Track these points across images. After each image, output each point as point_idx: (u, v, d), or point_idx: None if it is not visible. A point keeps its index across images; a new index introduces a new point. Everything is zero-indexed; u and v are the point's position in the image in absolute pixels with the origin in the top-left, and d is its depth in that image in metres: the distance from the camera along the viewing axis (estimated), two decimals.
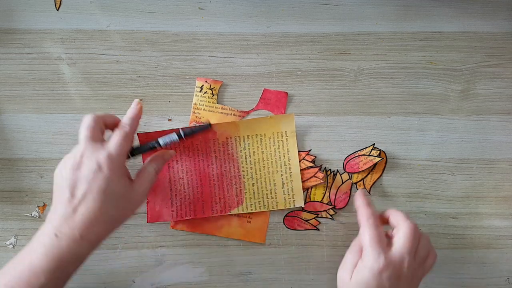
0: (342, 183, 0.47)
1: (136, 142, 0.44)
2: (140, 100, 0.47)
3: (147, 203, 0.46)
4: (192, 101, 0.48)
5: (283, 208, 0.46)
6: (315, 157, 0.47)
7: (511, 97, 0.49)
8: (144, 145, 0.42)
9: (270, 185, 0.46)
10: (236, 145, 0.46)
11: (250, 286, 0.46)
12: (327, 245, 0.47)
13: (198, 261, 0.46)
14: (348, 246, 0.39)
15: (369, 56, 0.49)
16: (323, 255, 0.47)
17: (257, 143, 0.46)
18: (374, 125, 0.48)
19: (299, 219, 0.47)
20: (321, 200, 0.47)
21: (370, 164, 0.47)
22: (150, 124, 0.47)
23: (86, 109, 0.47)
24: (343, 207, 0.47)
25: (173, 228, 0.46)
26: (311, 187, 0.47)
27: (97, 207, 0.36)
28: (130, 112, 0.41)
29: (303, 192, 0.46)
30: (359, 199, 0.40)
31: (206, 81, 0.48)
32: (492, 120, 0.48)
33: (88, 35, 0.48)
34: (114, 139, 0.38)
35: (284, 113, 0.48)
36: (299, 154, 0.47)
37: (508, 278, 0.47)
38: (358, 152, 0.47)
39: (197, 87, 0.48)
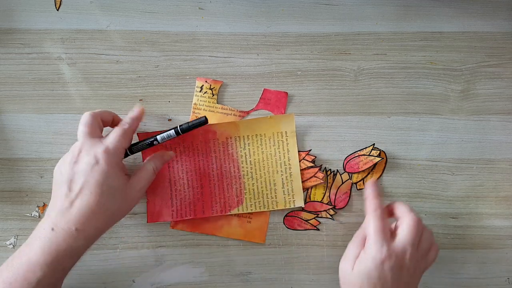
0: (342, 183, 0.47)
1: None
2: (140, 100, 0.48)
3: (147, 203, 0.46)
4: (192, 101, 0.48)
5: (283, 208, 0.46)
6: (315, 157, 0.47)
7: (511, 97, 0.49)
8: (142, 141, 0.42)
9: (270, 185, 0.46)
10: (236, 145, 0.46)
11: (250, 286, 0.46)
12: (327, 245, 0.47)
13: (198, 261, 0.46)
14: None
15: (369, 56, 0.49)
16: (323, 255, 0.47)
17: (257, 143, 0.46)
18: (374, 125, 0.48)
19: (299, 219, 0.47)
20: (321, 200, 0.47)
21: (370, 164, 0.47)
22: (150, 124, 0.47)
23: (86, 109, 0.47)
24: (343, 207, 0.47)
25: (173, 228, 0.46)
26: (311, 187, 0.47)
27: (93, 201, 0.36)
28: (131, 113, 0.42)
29: (303, 192, 0.46)
30: (368, 189, 0.41)
31: (206, 81, 0.48)
32: (492, 120, 0.48)
33: (88, 35, 0.48)
34: (112, 135, 0.39)
35: (284, 113, 0.48)
36: (299, 154, 0.47)
37: (508, 278, 0.47)
38: (358, 152, 0.47)
39: (197, 87, 0.48)
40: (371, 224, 0.38)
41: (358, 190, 0.47)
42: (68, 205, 0.36)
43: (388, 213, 0.41)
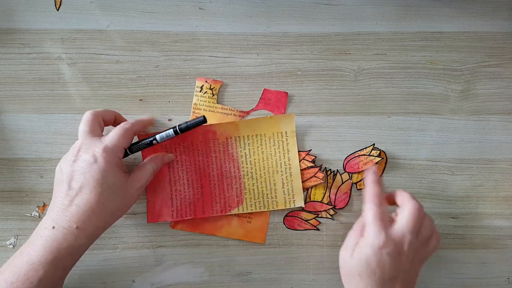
0: (342, 183, 0.47)
1: None
2: (140, 100, 0.48)
3: (147, 203, 0.46)
4: (192, 101, 0.48)
5: (283, 208, 0.46)
6: (315, 157, 0.47)
7: (511, 97, 0.49)
8: (141, 141, 0.42)
9: (270, 185, 0.46)
10: (236, 145, 0.46)
11: (250, 286, 0.46)
12: (327, 245, 0.47)
13: (198, 261, 0.46)
14: None
15: (369, 56, 0.49)
16: (323, 255, 0.47)
17: (257, 143, 0.46)
18: (374, 125, 0.48)
19: (299, 219, 0.47)
20: (321, 200, 0.47)
21: (370, 164, 0.47)
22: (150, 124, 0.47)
23: (86, 109, 0.47)
24: (343, 207, 0.47)
25: (173, 228, 0.46)
26: (311, 187, 0.47)
27: (93, 199, 0.36)
28: (138, 117, 0.43)
29: (303, 192, 0.46)
30: (369, 176, 0.41)
31: (206, 81, 0.48)
32: (492, 120, 0.48)
33: (88, 35, 0.48)
34: (112, 134, 0.39)
35: (284, 113, 0.48)
36: (299, 154, 0.47)
37: (508, 278, 0.47)
38: (358, 152, 0.47)
39: (197, 87, 0.48)
40: (369, 211, 0.38)
41: (358, 190, 0.47)
42: (68, 203, 0.36)
43: (389, 201, 0.41)
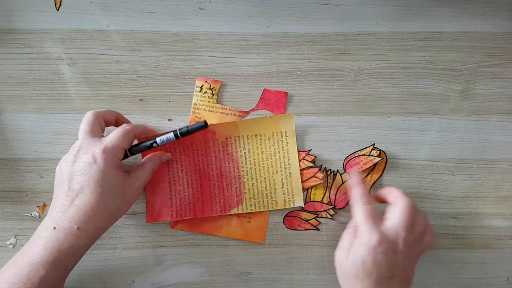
0: (342, 183, 0.47)
1: None
2: (140, 100, 0.48)
3: (146, 203, 0.46)
4: (192, 101, 0.48)
5: (283, 208, 0.46)
6: (315, 157, 0.47)
7: (511, 97, 0.49)
8: (142, 143, 0.42)
9: (269, 185, 0.46)
10: (235, 145, 0.46)
11: (250, 286, 0.46)
12: (327, 245, 0.47)
13: (198, 261, 0.46)
14: None
15: (369, 56, 0.49)
16: (323, 255, 0.47)
17: (256, 143, 0.46)
18: (374, 125, 0.48)
19: (299, 219, 0.47)
20: (321, 200, 0.47)
21: (370, 164, 0.47)
22: (150, 124, 0.47)
23: (86, 109, 0.47)
24: (343, 207, 0.47)
25: (172, 228, 0.46)
26: (311, 187, 0.47)
27: (93, 199, 0.36)
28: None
29: (303, 192, 0.46)
30: (353, 177, 0.41)
31: (206, 81, 0.48)
32: (492, 120, 0.48)
33: (88, 35, 0.48)
34: (112, 134, 0.39)
35: (284, 113, 0.48)
36: (299, 154, 0.47)
37: (508, 278, 0.47)
38: (358, 152, 0.47)
39: (197, 87, 0.48)
40: (359, 211, 0.38)
41: None
42: (68, 204, 0.36)
43: (380, 199, 0.41)
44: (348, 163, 0.47)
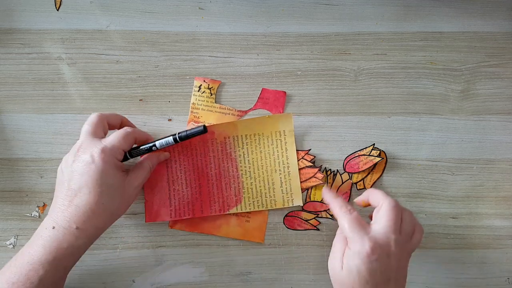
0: (342, 183, 0.47)
1: None
2: (140, 100, 0.48)
3: (145, 202, 0.46)
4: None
5: (282, 207, 0.46)
6: (314, 156, 0.47)
7: (511, 97, 0.48)
8: (141, 146, 0.42)
9: (268, 184, 0.46)
10: (234, 145, 0.46)
11: (250, 286, 0.46)
12: (327, 245, 0.47)
13: (198, 261, 0.46)
14: None
15: (369, 56, 0.49)
16: (323, 255, 0.47)
17: (255, 142, 0.46)
18: (374, 125, 0.48)
19: (299, 219, 0.47)
20: (321, 200, 0.47)
21: (370, 164, 0.47)
22: (150, 124, 0.47)
23: (86, 109, 0.47)
24: None
25: (171, 227, 0.46)
26: (311, 187, 0.47)
27: (92, 199, 0.37)
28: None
29: (303, 192, 0.46)
30: (326, 194, 0.41)
31: (204, 81, 0.48)
32: (492, 120, 0.48)
33: (88, 35, 0.48)
34: (112, 135, 0.40)
35: (283, 112, 0.48)
36: (298, 153, 0.47)
37: (508, 278, 0.47)
38: (358, 152, 0.47)
39: (195, 86, 0.48)
40: (343, 222, 0.37)
41: (358, 190, 0.47)
42: (68, 203, 0.37)
43: (363, 203, 0.41)
44: (348, 163, 0.47)
